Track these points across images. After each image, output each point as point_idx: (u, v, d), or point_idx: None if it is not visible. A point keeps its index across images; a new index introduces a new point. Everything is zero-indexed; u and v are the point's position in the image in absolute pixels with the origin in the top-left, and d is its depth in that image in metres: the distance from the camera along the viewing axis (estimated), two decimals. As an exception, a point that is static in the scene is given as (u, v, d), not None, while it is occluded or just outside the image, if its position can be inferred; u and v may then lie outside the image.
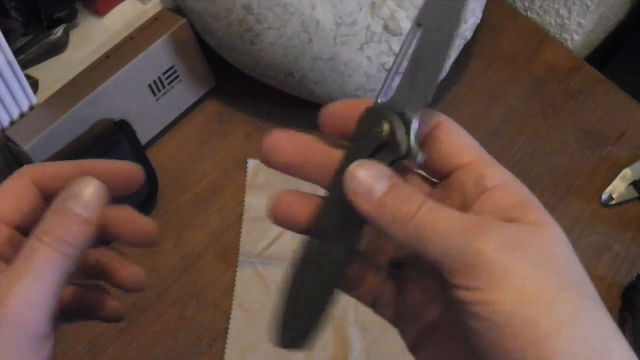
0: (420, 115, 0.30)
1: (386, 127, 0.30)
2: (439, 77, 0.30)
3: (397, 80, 0.31)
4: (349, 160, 0.31)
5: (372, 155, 0.30)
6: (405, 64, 0.31)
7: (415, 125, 0.30)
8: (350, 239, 0.30)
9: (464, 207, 0.29)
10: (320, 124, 0.32)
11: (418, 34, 0.31)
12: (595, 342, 0.25)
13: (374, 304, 0.33)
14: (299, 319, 0.31)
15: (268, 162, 0.32)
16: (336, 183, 0.30)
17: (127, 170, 0.33)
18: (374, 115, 0.31)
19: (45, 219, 0.30)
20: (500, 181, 0.29)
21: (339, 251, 0.30)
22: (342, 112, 0.32)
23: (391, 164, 0.30)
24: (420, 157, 0.30)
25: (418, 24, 0.31)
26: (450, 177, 0.31)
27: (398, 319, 0.33)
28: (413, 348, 0.32)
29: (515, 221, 0.28)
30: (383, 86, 0.31)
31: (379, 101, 0.31)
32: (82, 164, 0.33)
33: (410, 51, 0.31)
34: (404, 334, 0.33)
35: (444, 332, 0.31)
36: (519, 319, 0.25)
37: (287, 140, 0.32)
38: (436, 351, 0.31)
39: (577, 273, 0.28)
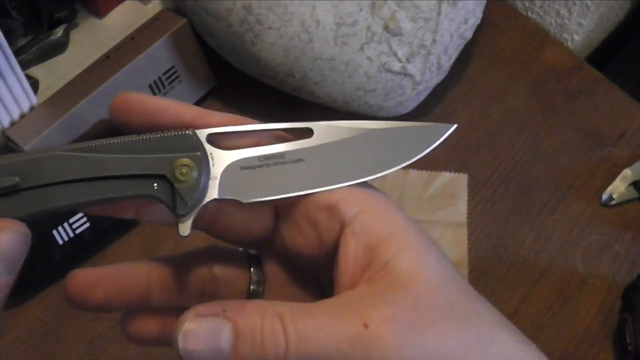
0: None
1: (190, 175, 0.26)
2: (275, 197, 0.27)
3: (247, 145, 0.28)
4: (113, 161, 0.26)
5: (143, 176, 0.26)
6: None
7: (208, 204, 0.26)
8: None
9: (320, 244, 0.28)
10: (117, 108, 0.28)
11: (304, 140, 0.28)
12: None
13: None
14: None
15: (76, 306, 0.29)
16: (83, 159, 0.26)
17: None
18: (191, 151, 0.26)
19: None
20: (357, 209, 0.27)
21: None
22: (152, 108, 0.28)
23: (147, 196, 0.26)
24: (185, 234, 0.26)
25: (310, 130, 0.28)
26: (295, 206, 0.28)
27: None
28: None
29: (385, 267, 0.26)
30: (226, 129, 0.28)
31: (205, 139, 0.27)
32: None
33: (285, 144, 0.28)
34: None
35: None
36: None
37: (94, 280, 0.29)
38: None
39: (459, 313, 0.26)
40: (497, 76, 0.74)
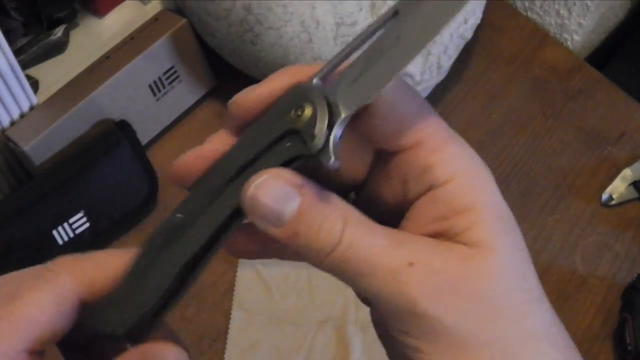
0: (350, 117, 0.25)
1: (307, 112, 0.25)
2: (390, 79, 0.26)
3: (349, 63, 0.27)
4: (244, 146, 0.26)
5: (274, 142, 0.26)
6: (363, 50, 0.26)
7: (341, 125, 0.25)
8: (214, 228, 0.27)
9: (403, 201, 0.27)
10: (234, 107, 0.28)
11: (390, 23, 0.26)
12: None
13: None
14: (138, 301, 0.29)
15: (182, 185, 0.29)
16: (219, 167, 0.27)
17: None
18: (299, 94, 0.26)
19: None
20: (448, 176, 0.26)
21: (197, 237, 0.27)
22: (259, 95, 0.27)
23: (292, 161, 0.26)
24: (332, 162, 0.25)
25: (396, 11, 0.27)
26: (396, 157, 0.27)
27: None
28: None
29: (453, 238, 0.26)
30: (327, 66, 0.27)
31: (314, 81, 0.26)
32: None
33: (375, 38, 0.26)
34: None
35: None
36: None
37: (194, 161, 0.29)
38: None
39: (517, 306, 0.26)
40: (497, 76, 0.75)
